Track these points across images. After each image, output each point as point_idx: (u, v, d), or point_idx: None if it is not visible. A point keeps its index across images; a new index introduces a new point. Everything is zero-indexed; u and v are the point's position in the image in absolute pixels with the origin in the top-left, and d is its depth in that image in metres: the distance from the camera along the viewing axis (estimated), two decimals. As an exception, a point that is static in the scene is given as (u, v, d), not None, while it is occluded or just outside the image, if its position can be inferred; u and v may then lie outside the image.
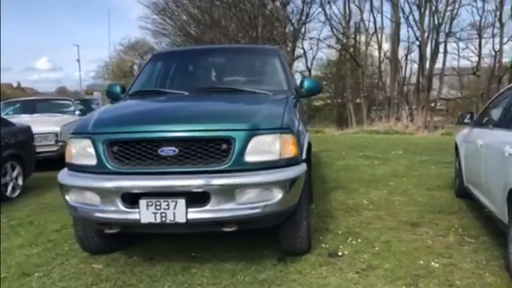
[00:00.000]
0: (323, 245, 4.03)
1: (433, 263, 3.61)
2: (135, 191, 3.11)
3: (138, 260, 3.80)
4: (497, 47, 22.82)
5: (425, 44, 23.27)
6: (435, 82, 23.41)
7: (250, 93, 4.16)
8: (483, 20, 23.03)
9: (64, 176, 3.39)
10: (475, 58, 23.18)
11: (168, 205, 3.06)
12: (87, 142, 3.30)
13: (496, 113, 4.45)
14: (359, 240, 4.16)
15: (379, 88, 24.00)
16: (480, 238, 4.15)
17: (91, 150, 3.27)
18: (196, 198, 3.09)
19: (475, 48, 23.40)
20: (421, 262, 3.65)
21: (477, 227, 4.47)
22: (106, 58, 34.79)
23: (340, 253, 3.85)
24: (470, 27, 23.53)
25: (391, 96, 22.64)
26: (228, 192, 3.09)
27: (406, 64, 25.03)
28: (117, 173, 3.20)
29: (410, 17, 23.30)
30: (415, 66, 24.53)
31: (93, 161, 3.27)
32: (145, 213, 3.08)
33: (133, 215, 3.12)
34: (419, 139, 13.81)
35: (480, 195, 4.42)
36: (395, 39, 23.94)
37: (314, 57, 27.03)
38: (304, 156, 3.54)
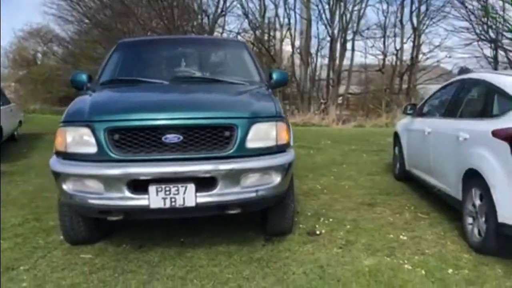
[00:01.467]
0: (300, 225, 4.34)
1: (401, 236, 4.09)
2: (144, 177, 3.16)
3: (128, 248, 3.81)
4: (398, 46, 24.86)
5: (335, 42, 24.65)
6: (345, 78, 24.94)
7: (229, 83, 4.31)
8: (387, 20, 24.94)
9: (59, 164, 3.31)
10: (381, 56, 24.98)
11: (178, 190, 3.15)
12: (85, 130, 3.26)
13: (442, 104, 5.06)
14: (330, 220, 4.53)
15: (292, 82, 24.95)
16: (431, 214, 4.73)
17: (91, 138, 3.24)
18: (204, 183, 3.22)
19: (381, 47, 25.22)
20: (391, 236, 4.11)
21: (425, 205, 5.06)
22: (6, 44, 31.92)
23: (318, 232, 4.19)
24: (376, 26, 25.41)
25: (303, 91, 23.71)
26: (234, 177, 3.26)
27: (316, 60, 26.27)
28: (119, 161, 3.22)
29: (323, 15, 24.35)
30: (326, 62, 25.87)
31: (93, 149, 3.24)
32: (155, 199, 3.15)
33: (141, 201, 3.17)
34: (338, 131, 14.71)
35: (427, 177, 5.01)
36: (306, 36, 25.08)
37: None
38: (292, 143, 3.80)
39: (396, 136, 6.46)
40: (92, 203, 3.23)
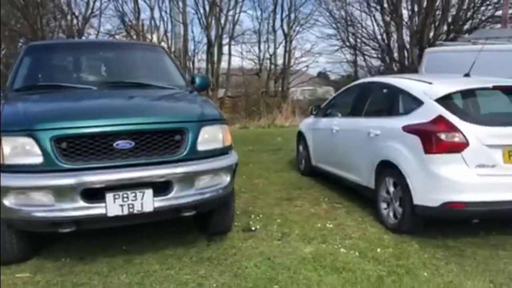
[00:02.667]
0: (235, 223, 4.52)
1: (327, 225, 4.51)
2: (99, 185, 3.08)
3: (69, 261, 3.64)
4: (272, 51, 26.25)
5: (213, 46, 25.15)
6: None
7: (158, 88, 4.33)
8: (261, 26, 26.16)
9: None
10: (257, 60, 26.11)
11: (135, 196, 3.14)
12: (27, 140, 3.08)
13: (347, 105, 5.64)
14: (261, 216, 4.80)
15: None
16: (344, 204, 5.26)
17: (34, 148, 3.07)
18: (160, 188, 3.25)
19: (256, 51, 26.36)
20: (319, 225, 4.51)
21: (336, 196, 5.60)
22: None
23: (253, 228, 4.42)
24: (251, 32, 26.50)
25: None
26: (189, 179, 3.35)
27: (193, 63, 26.47)
28: (68, 170, 3.10)
29: (201, 20, 24.64)
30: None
31: (37, 160, 3.07)
32: (112, 206, 3.10)
33: (97, 209, 3.09)
34: (226, 132, 15.08)
35: (337, 171, 5.56)
36: (184, 39, 25.23)
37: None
38: None
39: (300, 135, 6.97)
40: (41, 216, 3.06)
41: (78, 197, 3.05)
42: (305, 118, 7.35)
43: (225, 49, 25.63)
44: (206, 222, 4.06)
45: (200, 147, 3.46)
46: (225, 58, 25.65)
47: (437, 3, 19.48)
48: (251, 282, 3.28)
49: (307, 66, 27.61)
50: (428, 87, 4.20)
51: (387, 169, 4.33)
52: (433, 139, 3.79)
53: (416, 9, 19.89)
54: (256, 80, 26.40)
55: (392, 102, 4.59)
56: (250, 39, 26.69)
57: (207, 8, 24.90)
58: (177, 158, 3.37)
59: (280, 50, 26.31)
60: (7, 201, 3.03)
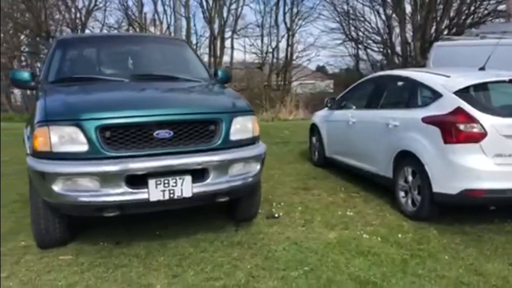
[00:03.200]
0: (259, 211, 4.71)
1: (347, 213, 4.70)
2: (142, 172, 3.26)
3: (107, 245, 3.82)
4: (274, 44, 26.35)
5: (215, 39, 25.26)
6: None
7: (186, 81, 4.50)
8: (264, 20, 26.25)
9: (44, 165, 3.23)
10: (260, 54, 26.22)
11: (176, 182, 3.32)
12: (73, 129, 3.24)
13: (363, 98, 5.81)
14: (282, 204, 4.98)
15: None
16: (361, 193, 5.46)
17: (80, 137, 3.24)
18: (197, 174, 3.43)
19: (259, 45, 26.46)
20: (339, 213, 4.70)
21: (352, 186, 5.79)
22: None
23: (276, 215, 4.61)
24: (254, 26, 26.61)
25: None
26: (223, 167, 3.53)
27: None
28: (112, 158, 3.27)
29: (205, 13, 24.73)
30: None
31: (83, 148, 3.24)
32: (154, 192, 3.28)
33: (140, 195, 3.27)
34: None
35: (353, 161, 5.74)
36: (187, 33, 25.33)
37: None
38: None
39: (313, 127, 7.14)
40: (87, 200, 3.23)
41: (123, 183, 3.22)
42: (316, 111, 7.52)
43: (228, 42, 25.79)
44: (234, 208, 4.24)
45: (233, 136, 3.64)
46: (227, 51, 25.81)
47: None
48: (283, 264, 3.47)
49: (309, 60, 27.75)
50: (446, 80, 4.38)
51: (406, 158, 4.51)
52: (453, 129, 3.97)
53: (419, 3, 20.01)
54: (258, 73, 26.51)
55: (410, 95, 4.77)
56: (253, 32, 26.79)
57: (210, 1, 25.02)
58: (212, 147, 3.54)
59: (283, 44, 26.40)
60: (56, 187, 3.20)
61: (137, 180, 3.27)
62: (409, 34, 20.89)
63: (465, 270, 3.37)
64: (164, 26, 26.54)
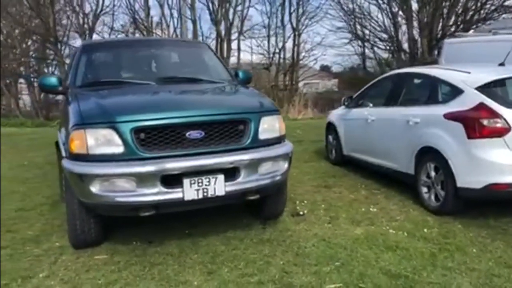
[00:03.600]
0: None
1: (371, 209, 4.77)
2: (177, 172, 3.35)
3: (140, 244, 3.91)
4: (281, 45, 26.42)
5: (222, 41, 25.37)
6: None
7: (210, 82, 4.59)
8: (270, 21, 26.33)
9: (82, 166, 3.33)
10: (267, 55, 26.32)
11: (209, 181, 3.41)
12: (109, 131, 3.34)
13: (381, 95, 5.87)
14: (305, 202, 5.06)
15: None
16: (381, 190, 5.52)
17: (116, 139, 3.33)
18: (229, 173, 3.51)
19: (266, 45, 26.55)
20: (363, 209, 4.77)
21: (371, 183, 5.85)
22: None
23: (301, 213, 4.68)
24: (260, 27, 26.72)
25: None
26: (254, 166, 3.61)
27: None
28: (147, 159, 3.36)
29: (212, 15, 24.87)
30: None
31: (119, 149, 3.33)
32: (189, 191, 3.36)
33: (174, 194, 3.36)
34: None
35: (372, 159, 5.80)
36: (194, 36, 25.46)
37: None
38: None
39: (329, 126, 7.20)
40: (124, 200, 3.33)
41: (158, 183, 3.31)
42: (325, 110, 7.57)
43: (234, 44, 25.89)
44: (261, 207, 4.31)
45: (261, 136, 3.72)
46: (234, 53, 25.92)
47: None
48: (314, 260, 3.54)
49: (315, 59, 27.80)
50: (467, 76, 4.44)
51: (428, 155, 4.58)
52: (476, 125, 4.03)
53: (425, 1, 20.00)
54: (266, 74, 26.58)
55: (431, 91, 4.83)
56: (259, 33, 26.90)
57: (216, 3, 25.12)
58: (241, 147, 3.63)
59: (290, 44, 26.47)
60: (94, 188, 3.29)
61: (171, 180, 3.36)
62: (416, 31, 20.87)
63: (494, 263, 3.43)
64: (171, 29, 26.66)
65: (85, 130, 3.35)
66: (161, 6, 26.40)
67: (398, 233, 4.07)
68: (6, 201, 5.49)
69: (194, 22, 26.13)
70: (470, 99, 4.21)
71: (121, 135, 3.32)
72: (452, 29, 19.92)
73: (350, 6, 24.29)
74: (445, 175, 4.33)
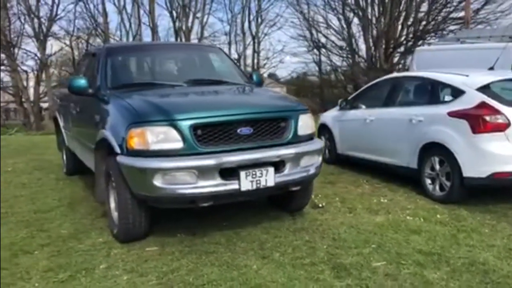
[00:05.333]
0: (304, 202, 5.12)
1: (382, 200, 5.22)
2: (234, 165, 3.62)
3: (185, 236, 4.12)
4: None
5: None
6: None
7: (234, 84, 4.89)
8: (232, 28, 26.78)
9: (144, 161, 3.52)
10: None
11: (261, 173, 3.70)
12: (168, 128, 3.57)
13: (379, 98, 6.36)
14: (320, 196, 5.42)
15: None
16: (382, 184, 5.99)
17: (175, 135, 3.56)
18: (276, 166, 3.83)
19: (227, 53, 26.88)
20: (375, 201, 5.21)
21: (370, 178, 6.30)
22: None
23: (320, 205, 5.04)
24: (220, 34, 27.10)
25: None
26: (296, 159, 3.94)
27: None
28: (204, 153, 3.61)
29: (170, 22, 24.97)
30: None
31: (178, 145, 3.57)
32: (244, 182, 3.64)
33: (231, 185, 3.63)
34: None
35: (370, 156, 6.26)
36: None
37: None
38: None
39: (322, 127, 7.63)
40: (185, 192, 3.55)
41: (217, 175, 3.57)
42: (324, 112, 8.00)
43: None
44: (288, 199, 4.62)
45: (299, 132, 4.07)
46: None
47: (401, 6, 20.84)
48: (352, 244, 3.91)
49: (274, 66, 28.49)
50: (466, 79, 5.00)
51: (432, 149, 5.08)
52: (480, 121, 4.58)
53: (381, 11, 21.13)
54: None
55: (432, 93, 5.36)
56: (220, 41, 27.26)
57: (174, 11, 25.31)
58: (284, 142, 3.95)
59: (250, 51, 27.02)
60: (156, 181, 3.50)
61: (227, 173, 3.62)
62: (373, 40, 21.94)
63: (508, 240, 3.95)
64: (130, 35, 26.47)
65: (145, 127, 3.56)
66: (120, 13, 26.20)
67: (415, 219, 4.52)
68: (16, 204, 5.50)
69: (152, 29, 26.15)
70: (472, 99, 4.76)
71: (180, 132, 3.56)
72: (407, 38, 21.17)
73: (308, 14, 25.15)
74: (451, 167, 4.84)
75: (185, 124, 3.56)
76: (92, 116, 4.50)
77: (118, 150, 3.72)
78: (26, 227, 4.61)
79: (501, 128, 4.52)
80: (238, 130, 3.73)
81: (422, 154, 5.26)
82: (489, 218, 4.52)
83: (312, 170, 4.10)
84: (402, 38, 21.58)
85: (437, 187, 5.07)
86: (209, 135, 3.65)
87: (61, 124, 6.86)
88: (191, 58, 5.30)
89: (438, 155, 5.03)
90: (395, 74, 6.40)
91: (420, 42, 19.53)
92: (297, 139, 4.04)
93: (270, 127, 3.89)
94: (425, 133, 5.19)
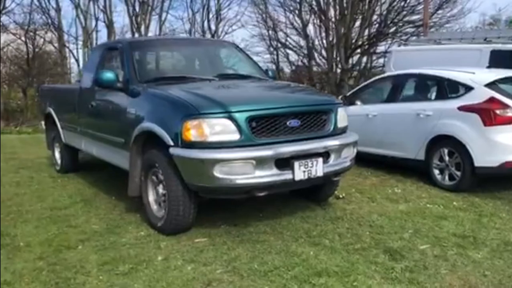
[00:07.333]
0: (325, 193, 5.28)
1: (396, 190, 5.50)
2: (288, 155, 3.74)
3: (228, 227, 4.18)
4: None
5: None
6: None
7: (259, 78, 5.00)
8: (192, 27, 26.54)
9: (203, 153, 3.57)
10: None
11: (312, 163, 3.84)
12: (226, 121, 3.64)
13: (381, 94, 6.66)
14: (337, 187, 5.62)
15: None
16: (387, 176, 6.28)
17: (232, 127, 3.64)
18: (323, 157, 3.98)
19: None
20: (389, 191, 5.48)
21: (374, 171, 6.58)
22: None
23: (341, 196, 5.24)
24: (181, 32, 26.74)
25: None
26: (339, 150, 4.12)
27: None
28: (259, 144, 3.71)
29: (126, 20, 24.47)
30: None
31: (235, 137, 3.65)
32: (298, 172, 3.77)
33: (286, 175, 3.74)
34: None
35: (374, 149, 6.53)
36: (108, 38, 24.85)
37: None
38: None
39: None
40: (243, 182, 3.63)
41: (273, 166, 3.67)
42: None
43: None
44: (318, 190, 4.76)
45: (339, 124, 4.25)
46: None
47: (360, 8, 21.60)
48: (390, 229, 4.14)
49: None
50: (473, 76, 5.38)
51: (442, 141, 5.43)
52: (491, 114, 4.95)
53: (340, 12, 21.78)
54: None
55: (440, 89, 5.72)
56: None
57: (131, 8, 24.81)
58: (326, 134, 4.12)
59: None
60: (216, 171, 3.55)
61: (282, 163, 3.74)
62: (333, 41, 22.54)
63: (526, 222, 4.33)
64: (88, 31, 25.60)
65: (202, 120, 3.61)
66: (76, 7, 25.31)
67: (435, 207, 4.82)
68: (23, 202, 5.33)
69: (108, 26, 25.52)
70: (481, 94, 5.14)
71: (237, 124, 3.63)
72: (368, 40, 21.96)
73: (268, 14, 25.37)
74: (462, 158, 5.20)
75: (242, 116, 3.64)
76: (121, 110, 4.45)
77: (170, 142, 3.72)
78: (53, 223, 4.49)
79: (510, 120, 4.92)
80: (288, 122, 3.86)
81: (430, 146, 5.59)
82: (500, 204, 4.90)
83: (350, 161, 4.29)
84: (360, 42, 22.31)
85: (447, 177, 5.42)
86: (262, 127, 3.74)
87: (58, 120, 6.65)
88: (214, 53, 5.35)
89: (448, 146, 5.37)
90: (396, 72, 6.73)
91: (378, 44, 20.37)
92: (337, 132, 4.21)
93: (315, 119, 4.04)
94: (434, 126, 5.53)
